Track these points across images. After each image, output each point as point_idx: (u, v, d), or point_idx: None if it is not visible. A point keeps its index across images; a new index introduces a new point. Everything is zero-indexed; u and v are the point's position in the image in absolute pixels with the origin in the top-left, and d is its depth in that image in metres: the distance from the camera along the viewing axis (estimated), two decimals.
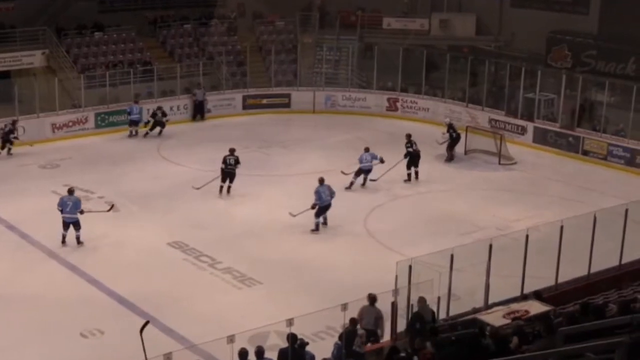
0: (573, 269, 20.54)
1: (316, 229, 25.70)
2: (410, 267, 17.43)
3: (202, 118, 38.14)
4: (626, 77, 37.14)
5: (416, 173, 30.43)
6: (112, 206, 25.47)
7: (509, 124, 36.25)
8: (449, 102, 38.56)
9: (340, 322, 16.66)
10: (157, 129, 35.78)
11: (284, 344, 15.94)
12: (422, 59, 38.94)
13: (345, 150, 33.28)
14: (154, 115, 35.89)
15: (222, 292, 21.68)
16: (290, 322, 15.84)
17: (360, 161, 29.37)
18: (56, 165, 31.74)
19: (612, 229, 21.17)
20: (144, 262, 23.42)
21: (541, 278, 19.76)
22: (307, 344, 16.00)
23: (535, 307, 16.41)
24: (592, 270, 20.60)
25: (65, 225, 24.31)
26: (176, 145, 34.51)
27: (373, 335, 17.33)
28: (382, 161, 29.43)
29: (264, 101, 39.67)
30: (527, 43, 41.22)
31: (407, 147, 30.51)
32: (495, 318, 16.00)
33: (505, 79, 37.74)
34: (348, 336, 16.43)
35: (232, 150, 28.93)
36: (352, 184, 29.27)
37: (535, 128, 35.57)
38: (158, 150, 33.63)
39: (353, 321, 16.60)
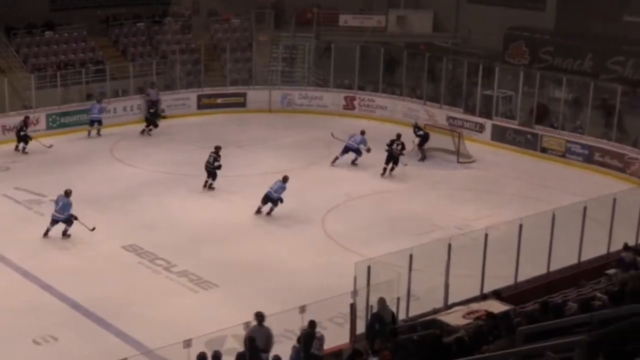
0: (532, 268, 20.73)
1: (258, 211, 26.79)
2: (369, 267, 17.50)
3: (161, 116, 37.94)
4: (583, 73, 37.45)
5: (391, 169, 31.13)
6: (94, 228, 25.11)
7: (467, 121, 36.45)
8: (407, 100, 38.69)
9: (298, 324, 16.66)
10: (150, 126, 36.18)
11: (241, 348, 15.94)
12: (380, 57, 39.05)
13: (302, 150, 33.34)
14: (153, 114, 36.11)
15: (178, 296, 21.61)
16: (247, 325, 15.86)
17: (349, 138, 30.67)
18: (6, 169, 31.39)
19: (571, 227, 21.39)
20: (98, 266, 23.27)
21: (501, 277, 19.92)
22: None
23: (495, 307, 16.52)
24: (552, 269, 20.81)
25: (53, 222, 24.82)
26: (130, 146, 34.30)
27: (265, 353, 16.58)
28: (368, 150, 31.05)
29: (219, 100, 39.55)
30: (484, 40, 41.43)
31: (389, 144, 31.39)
32: (455, 318, 16.10)
33: (463, 76, 37.91)
34: (306, 339, 16.45)
35: (216, 148, 29.18)
36: (336, 159, 30.91)
37: (494, 125, 35.80)
38: (111, 151, 33.42)
39: (311, 324, 16.61)
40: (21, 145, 33.07)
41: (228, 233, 25.49)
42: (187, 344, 14.35)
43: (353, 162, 31.68)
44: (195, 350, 14.88)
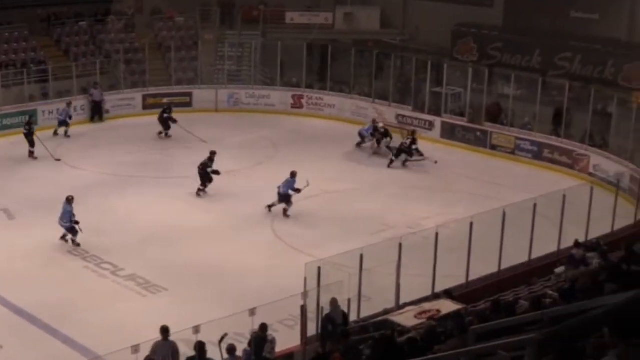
0: (484, 266, 20.95)
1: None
2: (319, 268, 17.57)
3: (101, 119, 37.74)
4: (532, 69, 37.83)
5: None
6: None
7: (416, 119, 36.65)
8: (356, 98, 38.83)
9: (248, 328, 16.72)
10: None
11: (191, 352, 15.94)
12: (327, 54, 39.14)
13: (250, 150, 33.34)
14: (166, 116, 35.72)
15: (126, 301, 21.54)
16: (196, 329, 15.85)
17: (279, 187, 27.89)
18: None
19: (522, 225, 21.64)
20: (42, 271, 23.13)
21: (452, 276, 20.10)
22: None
23: (447, 306, 16.68)
24: (503, 267, 21.05)
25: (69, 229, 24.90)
26: (74, 148, 34.00)
27: None
28: (297, 191, 27.43)
29: (165, 100, 39.26)
30: (432, 36, 41.67)
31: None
32: (407, 318, 16.23)
33: (412, 74, 38.14)
34: (258, 342, 16.49)
35: (211, 153, 28.99)
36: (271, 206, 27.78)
37: (443, 123, 36.05)
38: (55, 153, 33.14)
39: (263, 327, 16.65)
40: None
41: (176, 235, 25.43)
42: (135, 349, 14.35)
43: (284, 214, 27.63)
44: (143, 356, 14.89)
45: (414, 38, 43.45)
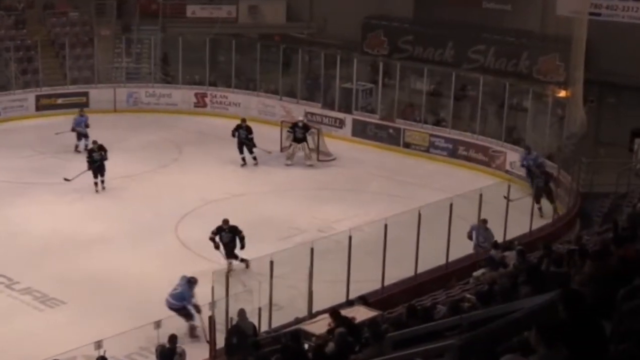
0: (400, 270, 21.13)
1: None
2: (227, 276, 17.59)
3: None
4: (445, 63, 38.26)
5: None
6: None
7: (326, 117, 36.81)
8: (262, 96, 38.85)
9: (154, 341, 16.69)
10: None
11: None
12: (231, 50, 39.10)
13: (152, 152, 33.13)
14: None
15: (22, 315, 21.25)
16: (99, 344, 15.77)
17: None
18: None
19: (438, 225, 21.92)
20: None
21: (367, 281, 20.26)
22: None
23: (362, 313, 16.80)
24: (419, 270, 21.25)
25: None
26: None
27: None
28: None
29: (60, 101, 38.89)
30: (341, 29, 41.84)
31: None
32: (321, 327, 16.28)
33: (321, 69, 38.28)
34: (166, 356, 16.46)
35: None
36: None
37: (354, 120, 36.26)
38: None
39: (172, 339, 16.62)
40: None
41: (74, 245, 25.12)
42: None
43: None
44: None
45: (322, 31, 43.62)
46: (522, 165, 29.26)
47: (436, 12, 39.46)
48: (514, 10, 37.78)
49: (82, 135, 33.42)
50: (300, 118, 34.04)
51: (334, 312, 16.12)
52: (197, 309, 19.21)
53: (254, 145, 31.90)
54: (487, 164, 32.57)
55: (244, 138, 31.88)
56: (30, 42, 41.00)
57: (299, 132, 32.97)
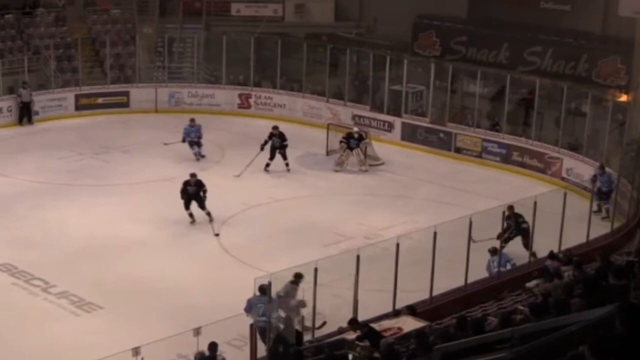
0: (449, 280, 20.98)
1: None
2: (269, 283, 17.54)
3: (30, 121, 37.41)
4: (499, 65, 38.03)
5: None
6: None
7: (374, 120, 36.72)
8: (308, 97, 38.84)
9: (193, 349, 16.65)
10: None
11: None
12: (277, 50, 39.11)
13: (193, 154, 33.19)
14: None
15: (58, 320, 21.33)
16: (136, 351, 15.78)
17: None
18: None
19: (489, 234, 21.74)
20: None
21: (415, 291, 20.12)
22: None
23: (409, 324, 16.71)
24: (469, 281, 21.08)
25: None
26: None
27: None
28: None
29: (100, 100, 39.15)
30: (391, 29, 41.77)
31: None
32: None
33: (369, 70, 38.20)
34: None
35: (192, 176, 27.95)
36: None
37: (404, 124, 36.13)
38: None
39: (212, 347, 16.59)
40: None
41: (113, 248, 25.21)
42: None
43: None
44: None
45: (372, 31, 43.58)
46: (594, 188, 27.92)
47: (491, 11, 39.28)
48: (573, 11, 37.51)
49: (193, 144, 33.23)
50: (356, 129, 33.59)
51: (352, 320, 16.20)
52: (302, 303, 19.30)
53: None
54: (543, 170, 32.30)
55: (279, 145, 31.79)
56: (70, 39, 41.33)
57: (353, 144, 32.92)
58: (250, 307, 18.64)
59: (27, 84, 37.53)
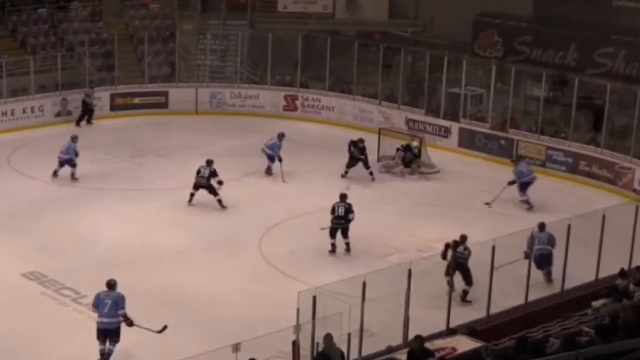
0: (508, 298, 20.82)
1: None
2: (314, 298, 17.46)
3: (89, 122, 37.66)
4: (566, 67, 37.81)
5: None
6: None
7: (429, 124, 36.62)
8: (359, 100, 38.79)
9: None
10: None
11: None
12: (326, 48, 39.07)
13: (235, 159, 33.20)
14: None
15: (88, 331, 21.26)
16: (236, 347, 15.74)
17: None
18: None
19: (554, 250, 21.52)
20: None
21: (471, 309, 20.00)
22: None
23: (464, 344, 16.55)
24: (530, 299, 20.91)
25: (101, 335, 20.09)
26: (30, 155, 33.89)
27: None
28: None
29: (136, 100, 39.35)
30: (450, 28, 41.75)
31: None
32: None
33: (425, 72, 38.05)
34: None
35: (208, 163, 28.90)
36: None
37: (461, 129, 35.99)
38: (8, 161, 33.03)
39: None
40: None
41: (147, 257, 25.27)
42: None
43: (267, 171, 32.32)
44: None
45: (428, 30, 43.52)
46: None
47: (558, 9, 39.03)
48: None
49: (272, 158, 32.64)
50: (415, 143, 33.43)
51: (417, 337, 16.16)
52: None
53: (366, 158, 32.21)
54: (613, 181, 32.00)
55: (357, 155, 31.79)
56: (106, 36, 41.64)
57: (408, 157, 32.88)
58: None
59: (94, 83, 37.79)
